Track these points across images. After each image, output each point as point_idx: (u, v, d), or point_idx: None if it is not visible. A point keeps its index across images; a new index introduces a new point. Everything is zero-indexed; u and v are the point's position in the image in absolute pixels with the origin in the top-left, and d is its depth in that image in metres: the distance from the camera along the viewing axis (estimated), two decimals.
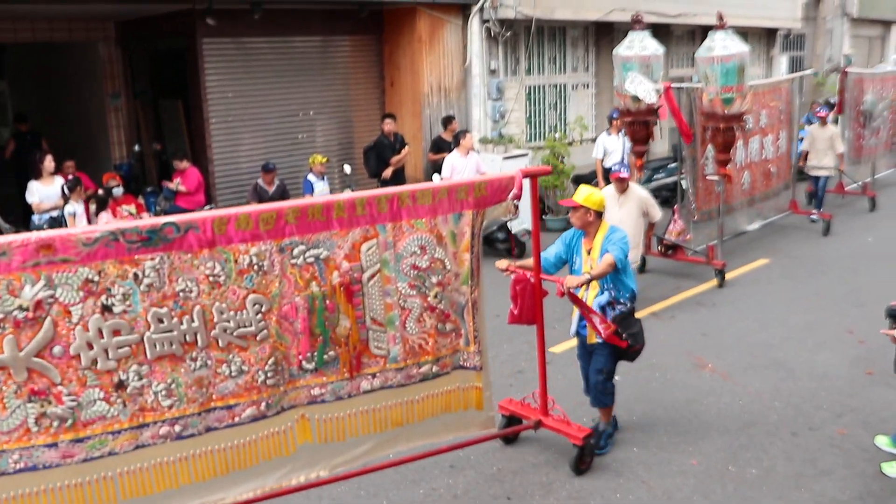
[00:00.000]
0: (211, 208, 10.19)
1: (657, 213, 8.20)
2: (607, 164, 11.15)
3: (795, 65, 20.33)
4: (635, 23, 8.79)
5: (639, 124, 8.99)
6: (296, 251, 4.09)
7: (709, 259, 9.31)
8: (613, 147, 11.31)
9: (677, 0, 14.62)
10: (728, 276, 9.38)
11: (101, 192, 9.39)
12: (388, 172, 10.86)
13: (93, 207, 9.17)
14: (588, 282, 5.10)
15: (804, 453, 5.46)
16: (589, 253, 5.37)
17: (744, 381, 6.63)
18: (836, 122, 13.07)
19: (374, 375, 4.43)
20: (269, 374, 4.09)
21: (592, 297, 5.32)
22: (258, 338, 4.04)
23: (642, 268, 9.53)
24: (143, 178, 12.12)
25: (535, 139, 13.36)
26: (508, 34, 12.34)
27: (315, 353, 4.23)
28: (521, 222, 10.56)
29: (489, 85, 12.35)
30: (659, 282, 9.42)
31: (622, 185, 7.95)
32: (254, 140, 11.08)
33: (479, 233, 4.64)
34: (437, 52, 11.80)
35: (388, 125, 11.05)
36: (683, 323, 8.12)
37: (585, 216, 5.37)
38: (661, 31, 15.36)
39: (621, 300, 5.27)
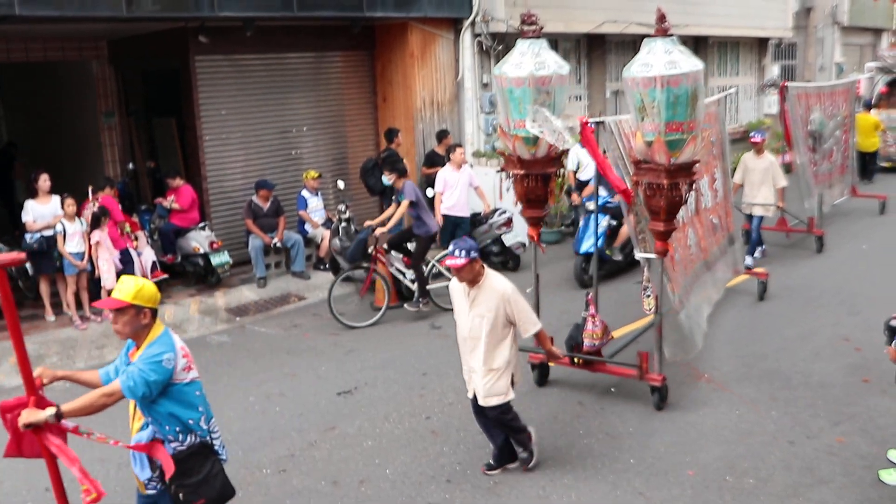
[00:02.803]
0: (205, 226, 10.19)
1: (531, 323, 5.12)
2: (582, 178, 11.09)
3: (787, 74, 20.45)
4: (527, 24, 5.85)
5: (534, 179, 6.05)
6: None
7: (642, 372, 6.21)
8: (588, 159, 10.37)
9: (667, 10, 14.60)
10: None
11: (95, 209, 9.37)
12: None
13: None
14: (57, 418, 3.50)
15: (802, 462, 5.44)
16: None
17: (740, 391, 6.61)
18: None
19: None
20: None
21: (135, 431, 3.97)
22: None
23: (542, 381, 6.82)
24: (137, 197, 12.12)
25: None
26: (500, 48, 12.37)
27: None
28: (516, 235, 10.55)
29: (481, 98, 12.39)
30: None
31: (469, 274, 5.00)
32: (247, 157, 11.10)
33: None
34: (430, 66, 11.84)
35: (402, 138, 11.34)
36: None
37: (137, 319, 3.71)
38: None
39: (169, 436, 3.79)
